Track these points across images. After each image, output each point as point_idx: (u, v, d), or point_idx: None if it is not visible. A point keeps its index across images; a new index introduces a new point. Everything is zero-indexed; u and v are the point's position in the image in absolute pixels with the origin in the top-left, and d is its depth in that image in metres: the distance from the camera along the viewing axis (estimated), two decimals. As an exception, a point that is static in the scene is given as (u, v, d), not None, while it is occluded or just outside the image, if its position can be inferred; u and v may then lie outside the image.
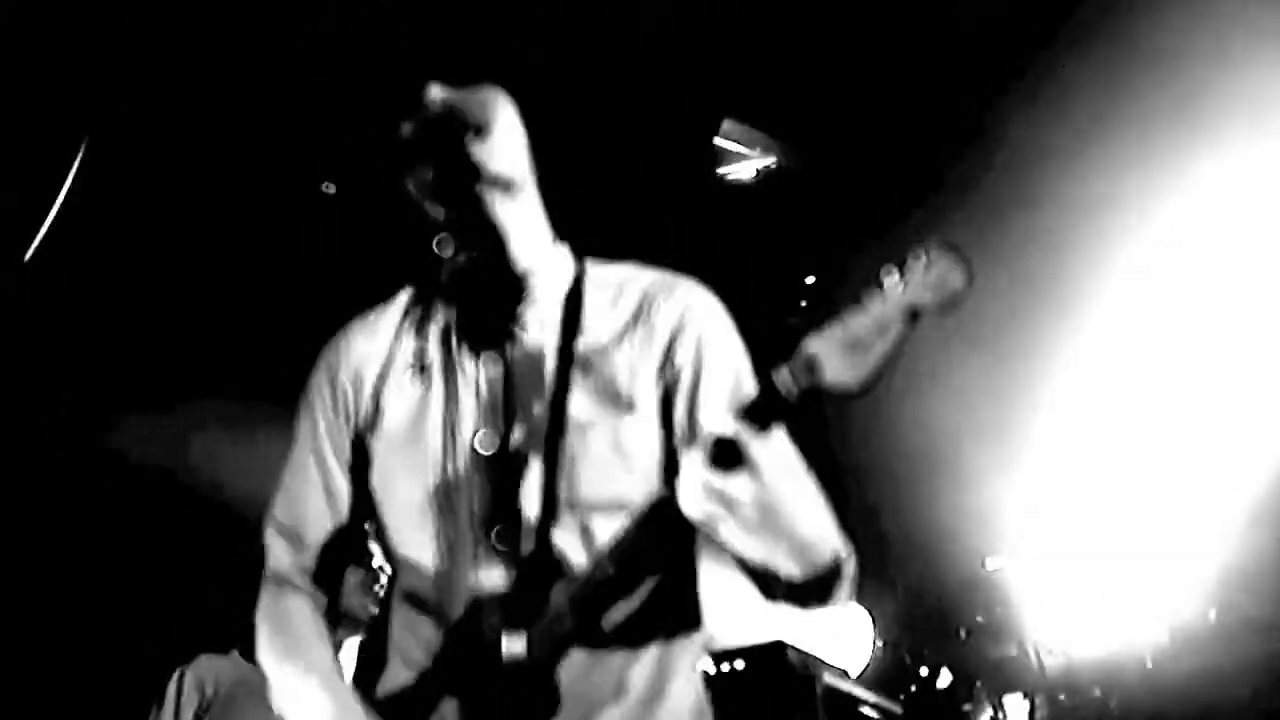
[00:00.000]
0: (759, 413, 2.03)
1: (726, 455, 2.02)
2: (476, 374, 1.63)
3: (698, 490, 2.03)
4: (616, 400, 2.35)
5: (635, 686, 2.32)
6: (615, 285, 2.47)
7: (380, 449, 2.44)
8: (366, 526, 2.53)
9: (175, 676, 4.36)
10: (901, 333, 2.00)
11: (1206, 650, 5.68)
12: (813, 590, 2.17)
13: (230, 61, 4.94)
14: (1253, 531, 5.65)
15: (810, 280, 5.88)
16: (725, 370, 2.40)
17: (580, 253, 2.52)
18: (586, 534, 2.28)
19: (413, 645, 2.39)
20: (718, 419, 2.06)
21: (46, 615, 5.16)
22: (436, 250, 2.34)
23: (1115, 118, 5.42)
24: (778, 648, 5.49)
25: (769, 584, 2.18)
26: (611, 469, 2.32)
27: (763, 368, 2.12)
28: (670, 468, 2.35)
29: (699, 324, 2.42)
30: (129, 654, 4.90)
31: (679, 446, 2.35)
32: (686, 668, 2.42)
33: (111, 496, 5.24)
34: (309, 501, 2.51)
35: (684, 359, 2.38)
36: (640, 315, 2.42)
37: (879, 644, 6.26)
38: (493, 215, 1.79)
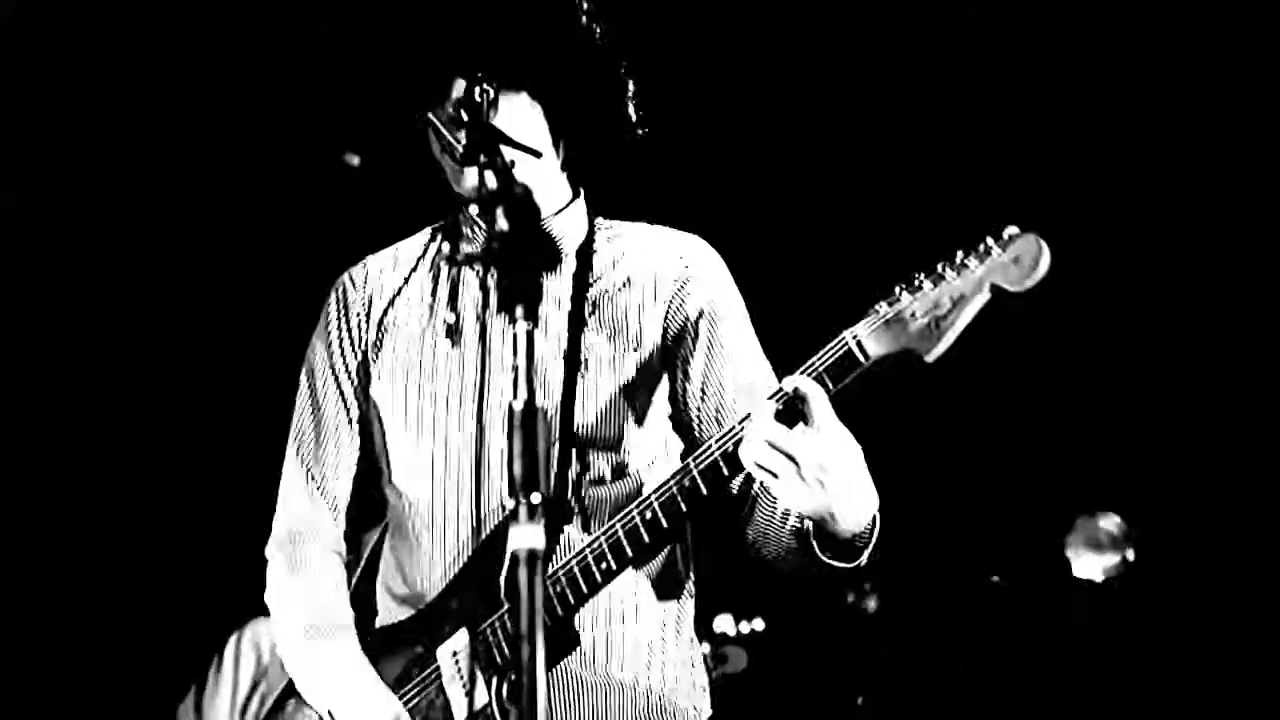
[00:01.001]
0: (828, 373, 2.10)
1: (790, 412, 2.09)
2: (513, 334, 1.67)
3: (761, 444, 2.08)
4: (626, 348, 2.42)
5: (629, 648, 2.39)
6: (626, 238, 2.54)
7: (381, 386, 2.49)
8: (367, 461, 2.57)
9: (232, 639, 4.34)
10: (978, 308, 2.04)
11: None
12: (850, 549, 2.22)
13: (255, 29, 4.95)
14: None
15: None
16: (732, 322, 2.48)
17: (593, 210, 2.59)
18: (596, 476, 2.37)
19: (406, 582, 2.44)
20: (790, 377, 2.11)
21: (103, 577, 5.16)
22: (468, 218, 2.46)
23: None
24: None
25: (811, 541, 2.23)
26: (621, 413, 2.39)
27: (828, 330, 2.16)
28: (678, 416, 2.45)
29: (705, 276, 2.49)
30: (185, 618, 4.90)
31: (687, 395, 2.43)
32: (689, 622, 2.50)
33: (163, 451, 5.24)
34: (326, 431, 2.56)
35: (691, 309, 2.45)
36: (650, 267, 2.48)
37: None
38: (525, 182, 1.83)
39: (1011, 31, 5.41)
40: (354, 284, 2.58)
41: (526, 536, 1.60)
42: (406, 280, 2.55)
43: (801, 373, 2.11)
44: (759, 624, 5.66)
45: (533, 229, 1.76)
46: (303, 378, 2.60)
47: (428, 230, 2.63)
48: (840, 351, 2.10)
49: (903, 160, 5.60)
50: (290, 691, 2.52)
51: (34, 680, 5.02)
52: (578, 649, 2.31)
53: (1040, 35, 5.41)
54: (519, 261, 1.71)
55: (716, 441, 2.17)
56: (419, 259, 2.57)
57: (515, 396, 1.65)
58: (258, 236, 5.32)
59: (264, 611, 2.58)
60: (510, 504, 1.62)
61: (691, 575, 2.53)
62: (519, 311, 1.68)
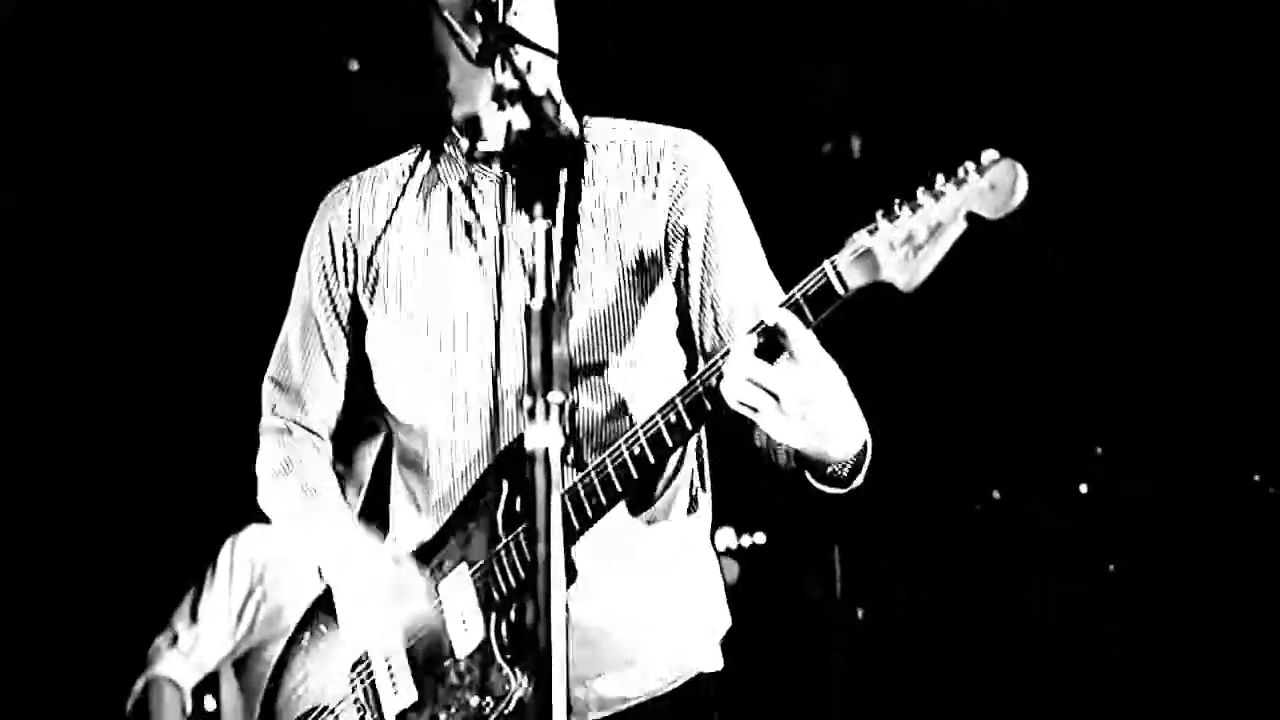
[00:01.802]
0: (808, 304, 2.04)
1: (771, 345, 2.04)
2: (530, 235, 1.65)
3: (741, 380, 2.04)
4: (620, 256, 2.38)
5: (647, 560, 2.36)
6: (618, 141, 2.47)
7: (379, 310, 2.46)
8: (361, 388, 2.54)
9: (227, 547, 4.34)
10: (955, 236, 1.98)
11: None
12: (841, 477, 2.21)
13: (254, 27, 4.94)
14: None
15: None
16: (732, 227, 2.43)
17: (579, 109, 2.53)
18: (597, 391, 2.34)
19: (418, 504, 2.43)
20: (769, 310, 2.06)
21: (102, 576, 5.16)
22: (482, 118, 2.39)
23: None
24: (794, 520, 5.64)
25: (802, 470, 2.22)
26: (616, 324, 2.35)
27: (807, 259, 2.11)
28: (684, 332, 2.41)
29: (703, 178, 2.43)
30: (179, 523, 4.89)
31: (688, 308, 2.40)
32: (700, 542, 2.47)
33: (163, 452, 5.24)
34: (309, 366, 2.55)
35: (691, 216, 2.39)
36: (645, 170, 2.43)
37: None
38: (539, 80, 1.80)
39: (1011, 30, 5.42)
40: (336, 212, 2.53)
41: (544, 435, 1.57)
42: (398, 204, 2.50)
43: (782, 305, 2.06)
44: (760, 538, 5.63)
45: (553, 127, 1.69)
46: (291, 308, 2.59)
47: (413, 151, 2.56)
48: (820, 283, 2.04)
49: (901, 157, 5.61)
50: (319, 605, 2.51)
51: (34, 680, 5.02)
52: (576, 583, 2.26)
53: (1039, 35, 5.42)
54: (539, 159, 1.67)
55: (700, 377, 2.13)
56: (405, 181, 2.52)
57: (533, 296, 1.62)
58: (258, 237, 5.32)
59: (258, 518, 2.58)
60: (526, 404, 1.58)
61: (703, 490, 2.48)
62: (537, 209, 1.63)
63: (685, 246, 2.39)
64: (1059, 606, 5.77)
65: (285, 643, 2.53)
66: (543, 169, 1.67)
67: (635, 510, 2.36)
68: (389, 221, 2.49)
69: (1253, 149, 5.40)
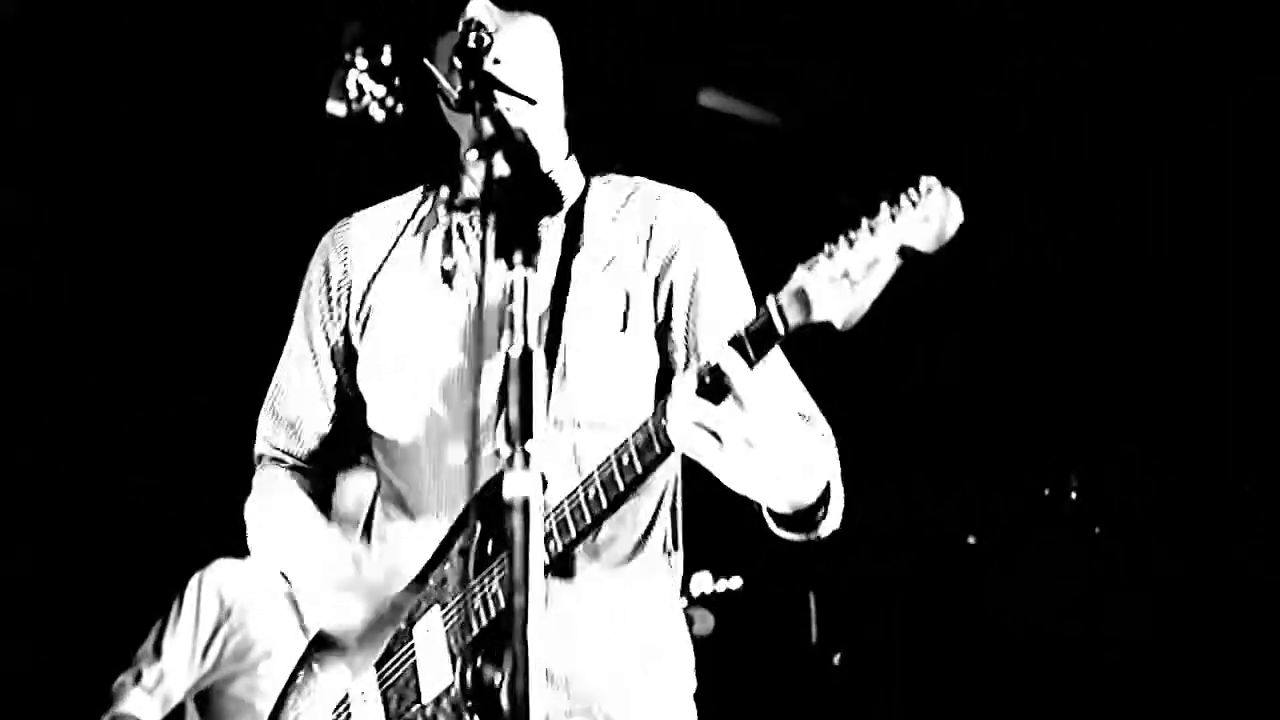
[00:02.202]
0: (748, 343, 1.97)
1: (715, 386, 1.98)
2: (507, 282, 1.63)
3: (685, 421, 1.98)
4: (614, 315, 2.38)
5: (622, 614, 2.35)
6: (620, 198, 2.49)
7: (370, 347, 2.47)
8: (355, 423, 2.56)
9: (194, 582, 4.34)
10: (890, 271, 1.90)
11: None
12: (797, 522, 2.14)
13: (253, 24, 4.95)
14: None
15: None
16: (722, 289, 2.42)
17: (589, 169, 2.56)
18: (574, 449, 2.33)
19: (398, 545, 2.42)
20: (708, 347, 2.04)
21: (102, 576, 5.16)
22: (467, 162, 2.33)
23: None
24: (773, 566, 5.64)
25: (757, 512, 2.16)
26: (605, 385, 2.34)
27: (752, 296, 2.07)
28: (665, 385, 2.34)
29: (700, 240, 2.44)
30: (146, 558, 4.89)
31: (674, 364, 2.38)
32: (673, 600, 2.46)
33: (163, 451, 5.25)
34: (303, 392, 2.57)
35: (682, 276, 2.40)
36: (642, 230, 2.44)
37: None
38: (522, 129, 1.79)
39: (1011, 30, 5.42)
40: (336, 248, 2.55)
41: (520, 484, 1.56)
42: (395, 243, 2.52)
43: (727, 342, 1.99)
44: (736, 582, 5.62)
45: (532, 174, 1.70)
46: (289, 339, 2.61)
47: (418, 190, 2.58)
48: (762, 321, 1.96)
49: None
50: (314, 645, 2.53)
51: (34, 680, 5.03)
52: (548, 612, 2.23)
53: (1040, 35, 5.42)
54: (517, 206, 1.66)
55: (651, 417, 2.07)
56: (407, 220, 2.54)
57: (511, 344, 1.61)
58: (258, 238, 5.32)
59: (230, 551, 2.60)
60: (504, 455, 1.57)
61: (675, 549, 2.47)
62: (517, 257, 1.62)
63: (671, 304, 2.39)
64: (1045, 641, 5.79)
65: (285, 683, 2.56)
66: (523, 214, 1.66)
67: (607, 562, 2.36)
68: (385, 260, 2.51)
69: (1251, 150, 5.41)
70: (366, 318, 2.49)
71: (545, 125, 2.43)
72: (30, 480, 5.13)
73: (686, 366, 2.37)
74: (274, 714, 2.53)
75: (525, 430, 1.58)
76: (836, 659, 5.38)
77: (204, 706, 4.34)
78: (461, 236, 2.46)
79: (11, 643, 5.03)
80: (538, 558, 1.55)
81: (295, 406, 2.58)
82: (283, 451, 2.60)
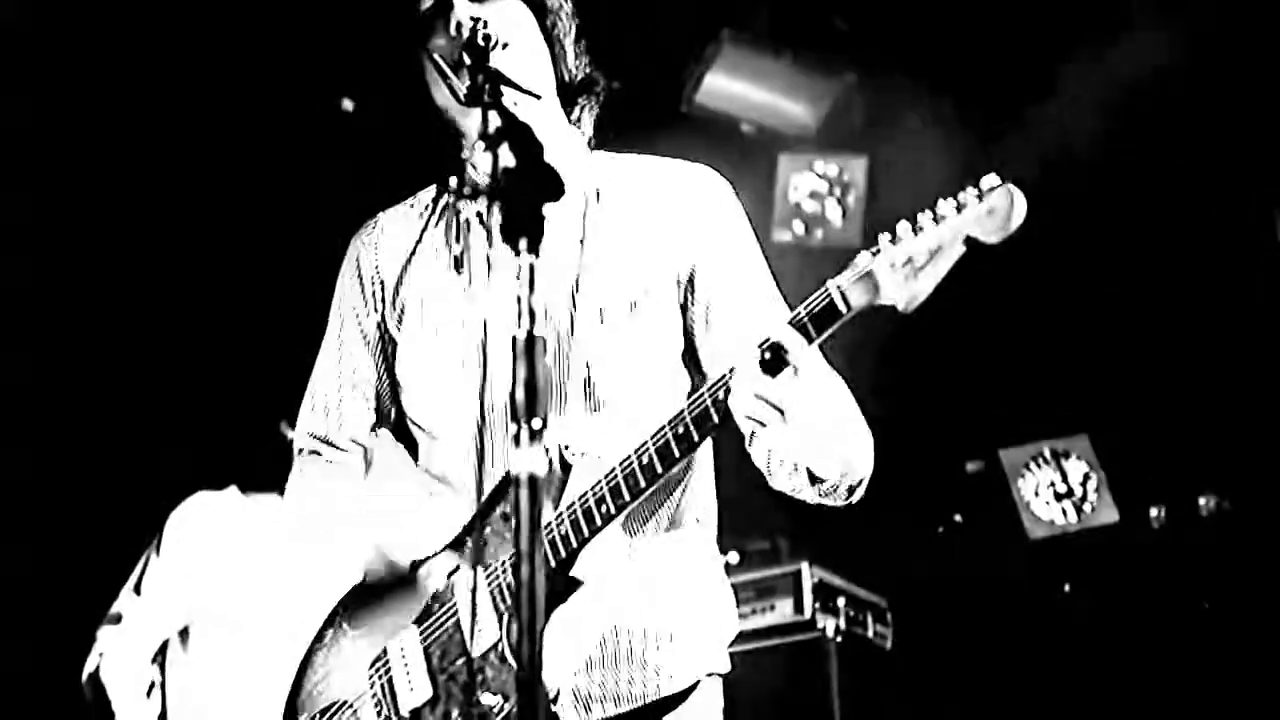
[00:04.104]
0: (809, 323, 2.13)
1: (776, 361, 2.13)
2: (517, 269, 1.72)
3: (748, 394, 2.13)
4: (629, 283, 2.46)
5: (661, 566, 2.45)
6: (630, 175, 2.57)
7: (406, 337, 2.58)
8: (391, 410, 2.68)
9: (172, 518, 4.38)
10: (954, 259, 2.07)
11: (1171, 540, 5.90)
12: (845, 488, 2.30)
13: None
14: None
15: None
16: (741, 258, 2.53)
17: (592, 145, 2.63)
18: (600, 420, 2.42)
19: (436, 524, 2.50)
20: (773, 327, 2.15)
21: (101, 577, 5.17)
22: (472, 155, 2.52)
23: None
24: (772, 544, 5.72)
25: (810, 481, 2.30)
26: (627, 359, 2.43)
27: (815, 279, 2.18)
28: (690, 355, 2.50)
29: (713, 213, 2.53)
30: (132, 487, 4.91)
31: (694, 331, 2.49)
32: (708, 550, 2.56)
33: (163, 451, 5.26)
34: (341, 381, 2.68)
35: (700, 249, 2.49)
36: (653, 201, 2.52)
37: None
38: (526, 120, 1.92)
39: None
40: (366, 246, 2.68)
41: (526, 460, 1.64)
42: (419, 239, 2.63)
43: (787, 323, 2.15)
44: (733, 557, 5.65)
45: (537, 163, 1.79)
46: (325, 338, 2.72)
47: (433, 187, 2.69)
48: (824, 302, 2.13)
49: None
50: (343, 605, 2.60)
51: (34, 680, 5.03)
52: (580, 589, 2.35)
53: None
54: (523, 195, 1.75)
55: (708, 390, 2.22)
56: (430, 215, 2.65)
57: (519, 327, 1.69)
58: (258, 239, 5.33)
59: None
60: (512, 431, 1.65)
61: (707, 501, 2.57)
62: (522, 244, 1.71)
63: (692, 277, 2.48)
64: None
65: (311, 641, 2.63)
66: (528, 204, 1.73)
67: (648, 518, 2.46)
68: (413, 254, 2.62)
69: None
70: (402, 309, 2.60)
71: (549, 113, 2.51)
72: (30, 480, 5.13)
73: (707, 336, 2.48)
74: (300, 672, 2.60)
75: (531, 410, 1.65)
76: (830, 630, 5.42)
77: (185, 642, 4.34)
78: (469, 228, 2.56)
79: (11, 643, 5.03)
80: (540, 531, 1.65)
81: (335, 395, 2.68)
82: (321, 440, 2.69)
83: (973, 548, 6.20)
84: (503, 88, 2.18)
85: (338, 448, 2.68)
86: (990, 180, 2.07)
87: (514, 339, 1.69)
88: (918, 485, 5.80)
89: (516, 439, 1.65)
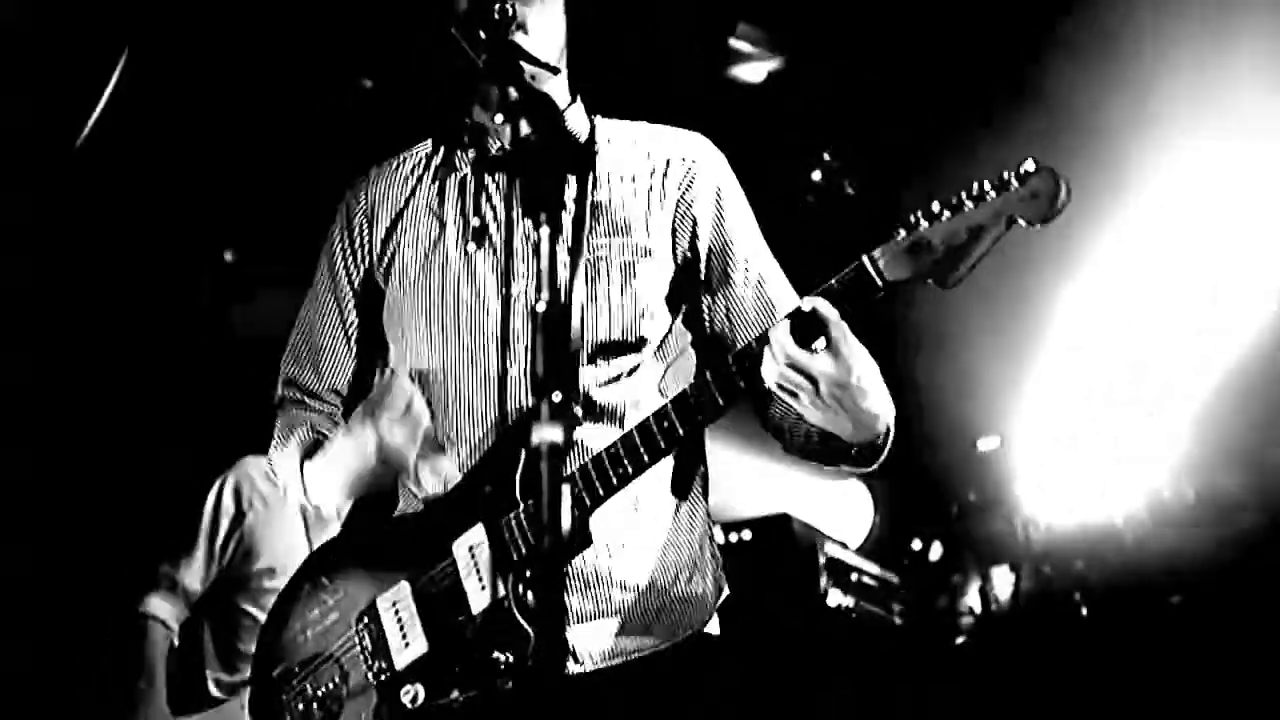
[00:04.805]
0: (846, 294, 2.15)
1: (809, 331, 2.14)
2: (535, 237, 1.73)
3: (780, 362, 2.15)
4: (632, 249, 2.47)
5: (663, 529, 2.47)
6: (629, 138, 2.59)
7: (395, 288, 2.57)
8: (374, 360, 2.67)
9: (216, 486, 4.41)
10: (994, 239, 2.09)
11: (1183, 527, 5.92)
12: (867, 456, 2.33)
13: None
14: (1233, 416, 5.78)
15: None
16: (739, 219, 2.56)
17: (592, 109, 2.63)
18: (607, 377, 2.43)
19: (426, 480, 2.50)
20: (804, 298, 2.16)
21: (101, 576, 5.16)
22: (487, 122, 2.49)
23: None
24: (783, 520, 5.75)
25: (831, 450, 2.34)
26: (629, 313, 2.44)
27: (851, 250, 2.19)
28: (693, 313, 2.52)
29: (711, 174, 2.56)
30: (146, 558, 4.91)
31: (698, 294, 2.51)
32: (704, 515, 2.58)
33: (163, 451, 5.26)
34: (325, 329, 2.67)
35: (699, 209, 2.51)
36: (654, 167, 2.54)
37: (877, 518, 6.59)
38: (545, 92, 1.94)
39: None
40: (356, 196, 2.66)
41: (548, 433, 1.64)
42: (413, 192, 2.62)
43: (818, 293, 2.17)
44: (747, 535, 5.69)
45: (557, 135, 1.81)
46: (312, 286, 2.71)
47: (428, 142, 2.68)
48: (857, 275, 2.16)
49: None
50: (317, 557, 2.60)
51: (34, 680, 5.02)
52: (591, 550, 2.36)
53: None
54: (542, 166, 1.79)
55: (734, 357, 2.24)
56: (422, 170, 2.63)
57: (538, 299, 1.69)
58: (258, 239, 5.33)
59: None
60: (531, 403, 1.68)
61: (703, 467, 2.59)
62: (542, 216, 1.72)
63: (694, 237, 2.50)
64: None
65: (280, 594, 2.59)
66: (548, 174, 1.74)
67: (653, 480, 2.45)
68: (404, 207, 2.61)
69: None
70: (390, 260, 2.58)
71: (561, 85, 2.53)
72: (30, 480, 5.13)
73: (713, 302, 2.51)
74: (271, 625, 2.55)
75: (551, 380, 1.66)
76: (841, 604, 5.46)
77: (219, 621, 4.35)
78: (484, 194, 2.54)
79: (11, 643, 5.02)
80: (561, 503, 1.64)
81: (317, 342, 2.67)
82: (301, 390, 2.68)
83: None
84: (521, 61, 2.20)
85: (320, 397, 2.67)
86: (1030, 164, 2.08)
87: (533, 310, 1.69)
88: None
89: (537, 412, 1.64)
